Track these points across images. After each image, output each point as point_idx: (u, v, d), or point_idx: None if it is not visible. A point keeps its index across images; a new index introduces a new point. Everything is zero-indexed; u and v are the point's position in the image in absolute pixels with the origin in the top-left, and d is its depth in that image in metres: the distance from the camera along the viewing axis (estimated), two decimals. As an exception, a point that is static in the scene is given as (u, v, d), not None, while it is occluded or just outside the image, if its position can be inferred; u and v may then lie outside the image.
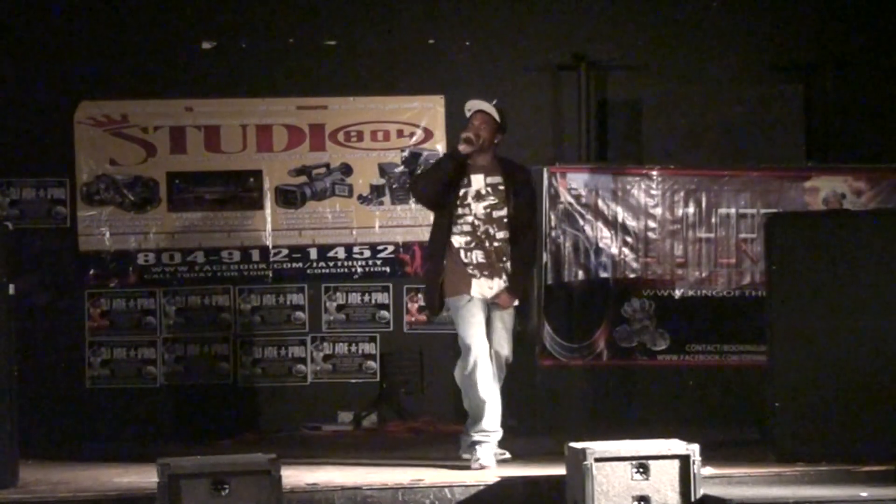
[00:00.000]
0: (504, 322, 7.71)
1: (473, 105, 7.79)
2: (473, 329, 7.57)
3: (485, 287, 7.66)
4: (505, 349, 7.72)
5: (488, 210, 7.67)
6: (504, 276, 7.67)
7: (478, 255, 7.66)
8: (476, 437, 7.55)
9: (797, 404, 7.45)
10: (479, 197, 7.69)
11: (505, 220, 7.68)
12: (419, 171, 7.86)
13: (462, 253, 7.66)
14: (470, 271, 7.64)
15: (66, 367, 9.51)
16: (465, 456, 7.62)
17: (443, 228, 7.71)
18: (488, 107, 7.74)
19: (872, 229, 7.64)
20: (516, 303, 7.75)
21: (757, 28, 9.90)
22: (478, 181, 7.70)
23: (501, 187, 7.70)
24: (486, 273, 7.65)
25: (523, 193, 7.78)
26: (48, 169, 9.64)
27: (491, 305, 7.68)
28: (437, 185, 7.68)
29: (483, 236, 7.67)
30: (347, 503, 6.73)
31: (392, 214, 9.78)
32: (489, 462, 7.45)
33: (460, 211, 7.69)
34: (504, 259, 7.68)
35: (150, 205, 9.69)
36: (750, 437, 8.37)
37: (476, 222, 7.66)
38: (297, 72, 9.78)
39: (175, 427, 9.39)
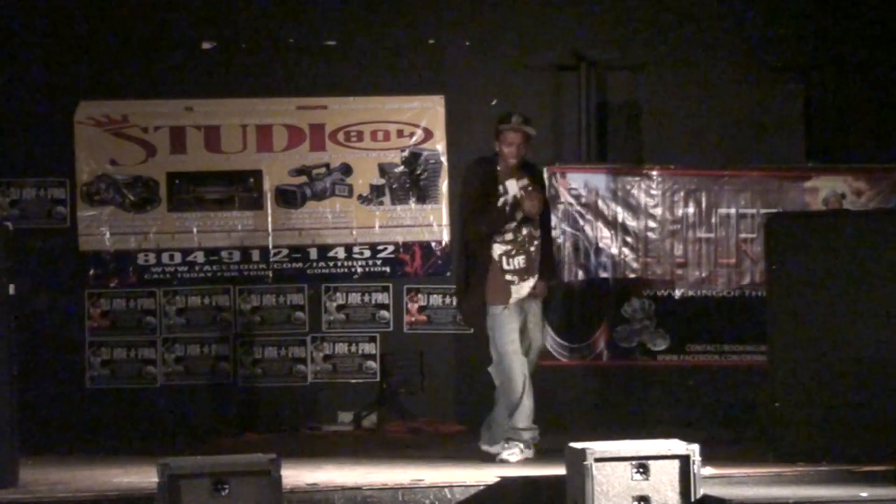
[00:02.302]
0: (536, 315, 7.90)
1: (511, 125, 7.84)
2: (509, 337, 7.76)
3: (523, 290, 7.81)
4: (539, 339, 7.95)
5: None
6: (537, 273, 7.84)
7: (520, 261, 7.80)
8: (508, 434, 7.79)
9: (797, 404, 7.45)
10: (524, 201, 7.80)
11: (537, 218, 7.85)
12: (467, 195, 7.95)
13: (504, 260, 7.78)
14: (509, 278, 7.78)
15: (66, 367, 9.52)
16: (485, 447, 7.86)
17: (486, 239, 7.81)
18: (528, 128, 7.85)
19: (872, 229, 7.64)
20: None
21: (757, 28, 9.90)
22: (512, 187, 7.84)
23: (531, 188, 7.84)
24: (525, 277, 7.80)
25: (542, 189, 8.05)
26: (48, 169, 9.64)
27: (525, 302, 7.82)
28: (499, 227, 7.81)
29: (525, 240, 7.80)
30: (347, 503, 6.73)
31: (392, 214, 9.78)
32: (513, 459, 7.66)
33: None
34: (539, 254, 7.86)
35: (150, 205, 9.69)
36: (750, 437, 8.36)
37: (520, 226, 7.78)
38: (297, 72, 9.79)
39: (175, 427, 9.39)
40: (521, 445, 7.74)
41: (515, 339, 7.77)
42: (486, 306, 7.81)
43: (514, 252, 7.78)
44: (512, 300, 7.77)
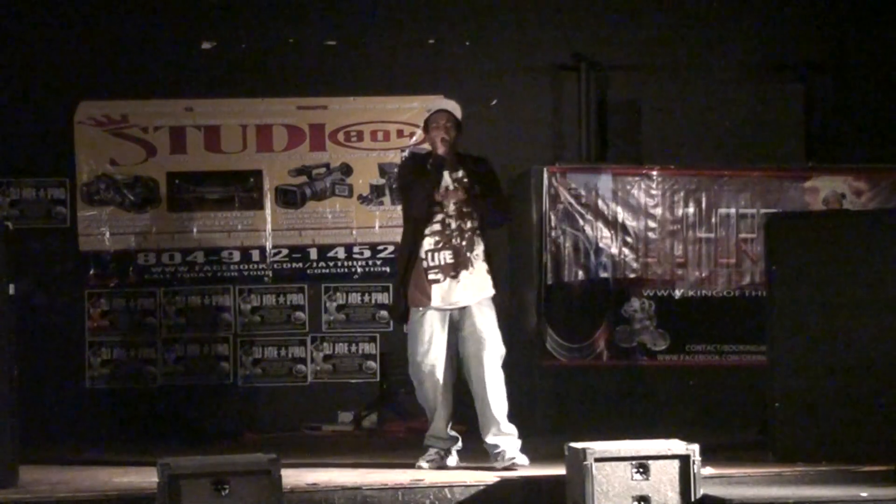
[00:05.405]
0: (482, 317, 7.52)
1: (435, 105, 7.80)
2: (422, 346, 7.53)
3: (447, 288, 7.52)
4: (488, 345, 7.53)
5: (458, 204, 7.56)
6: (471, 267, 7.52)
7: (445, 256, 7.52)
8: (426, 441, 7.68)
9: (797, 404, 7.45)
10: (448, 194, 7.60)
11: (471, 210, 7.56)
12: (401, 189, 7.83)
13: (429, 256, 7.52)
14: (432, 276, 7.51)
15: (66, 367, 9.51)
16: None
17: (416, 235, 7.58)
18: (451, 105, 7.75)
19: (872, 229, 7.64)
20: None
21: (757, 28, 9.91)
22: (444, 178, 7.60)
23: (465, 180, 7.59)
24: (451, 273, 7.51)
25: (486, 179, 7.63)
26: (48, 169, 9.64)
27: (462, 311, 7.54)
28: (430, 198, 7.57)
29: (454, 233, 7.54)
30: (347, 503, 6.73)
31: (392, 214, 9.77)
32: (427, 466, 7.52)
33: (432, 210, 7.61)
34: (474, 248, 7.54)
35: (150, 205, 9.69)
36: (750, 437, 8.36)
37: (447, 220, 7.54)
38: (297, 72, 9.79)
39: (175, 427, 9.38)
40: (442, 452, 7.61)
41: (429, 350, 7.50)
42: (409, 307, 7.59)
43: (441, 245, 7.51)
44: (434, 302, 7.50)
